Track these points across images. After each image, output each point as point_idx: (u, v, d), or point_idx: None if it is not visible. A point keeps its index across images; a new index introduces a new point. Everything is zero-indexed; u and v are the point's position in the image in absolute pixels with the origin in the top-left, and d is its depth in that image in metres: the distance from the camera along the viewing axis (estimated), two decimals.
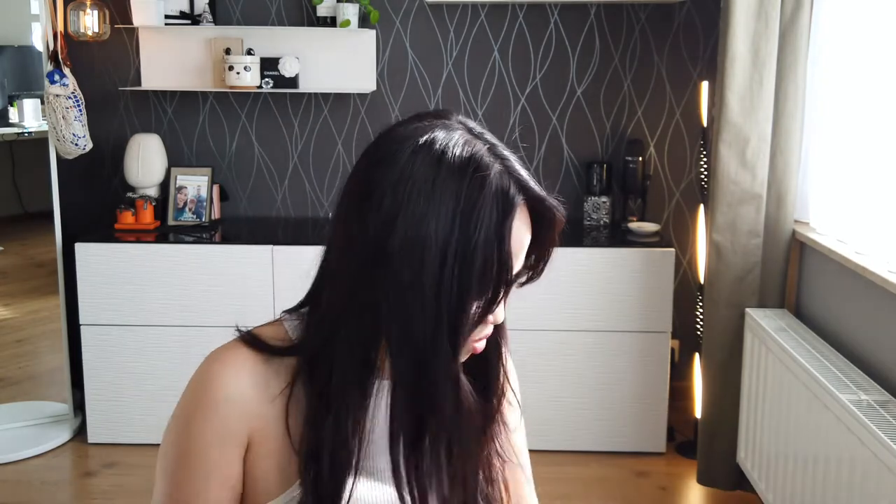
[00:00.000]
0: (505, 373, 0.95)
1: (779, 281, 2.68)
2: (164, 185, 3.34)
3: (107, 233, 3.16)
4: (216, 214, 3.37)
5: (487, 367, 0.93)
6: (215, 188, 3.36)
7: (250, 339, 0.88)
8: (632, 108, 3.36)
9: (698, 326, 3.02)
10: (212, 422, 0.84)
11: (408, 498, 0.85)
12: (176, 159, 3.41)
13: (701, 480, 2.84)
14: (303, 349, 0.87)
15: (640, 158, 3.25)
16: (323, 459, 0.83)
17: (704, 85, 3.02)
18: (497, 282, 0.79)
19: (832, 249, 2.34)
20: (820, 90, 2.59)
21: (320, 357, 0.85)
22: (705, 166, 2.98)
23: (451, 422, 0.84)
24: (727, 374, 2.73)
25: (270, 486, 0.86)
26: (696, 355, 3.03)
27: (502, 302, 0.83)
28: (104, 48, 3.37)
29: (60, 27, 3.13)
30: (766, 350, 2.45)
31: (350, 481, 0.84)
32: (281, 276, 2.98)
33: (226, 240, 3.15)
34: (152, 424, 3.10)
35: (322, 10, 3.23)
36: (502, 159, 0.81)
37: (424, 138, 0.80)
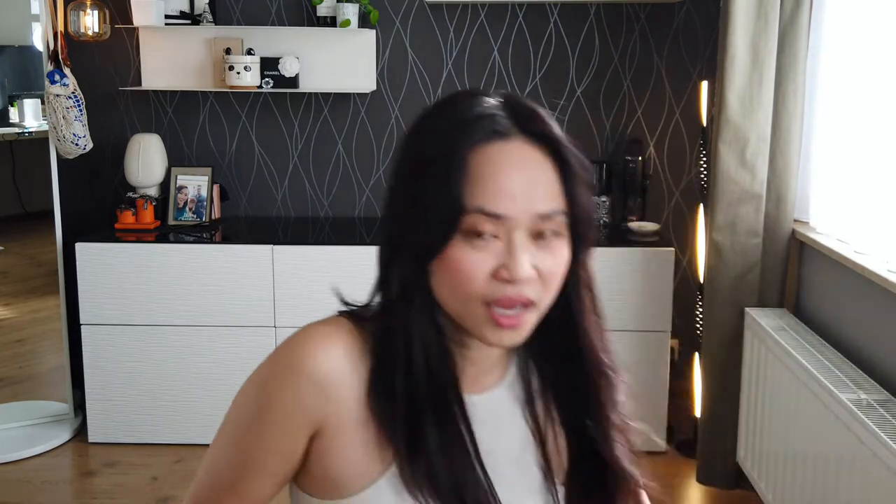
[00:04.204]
0: None
1: (778, 280, 2.68)
2: (165, 185, 3.34)
3: (107, 232, 3.17)
4: (216, 214, 3.37)
5: None
6: (215, 188, 3.36)
7: (348, 315, 0.90)
8: (631, 108, 3.36)
9: (698, 326, 3.02)
10: (291, 395, 0.84)
11: None
12: (176, 159, 3.42)
13: (701, 479, 2.84)
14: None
15: (640, 158, 3.25)
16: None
17: (704, 84, 3.03)
18: None
19: (832, 249, 2.34)
20: (819, 89, 2.59)
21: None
22: (705, 166, 2.98)
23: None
24: (727, 374, 2.73)
25: (353, 477, 0.86)
26: (696, 355, 3.03)
27: None
28: (104, 48, 3.37)
29: (61, 27, 3.13)
30: (765, 349, 2.45)
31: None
32: (281, 276, 2.98)
33: (226, 240, 3.15)
34: (152, 424, 3.10)
35: (322, 10, 3.24)
36: None
37: None
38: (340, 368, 0.85)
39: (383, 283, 0.89)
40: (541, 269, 0.83)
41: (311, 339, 0.86)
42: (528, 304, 0.83)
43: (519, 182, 0.81)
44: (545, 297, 0.85)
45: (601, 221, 3.30)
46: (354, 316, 0.90)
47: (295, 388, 0.84)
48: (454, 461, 0.85)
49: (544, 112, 0.86)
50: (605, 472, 0.95)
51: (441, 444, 0.84)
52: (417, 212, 0.83)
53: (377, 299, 0.90)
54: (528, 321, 0.85)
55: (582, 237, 0.87)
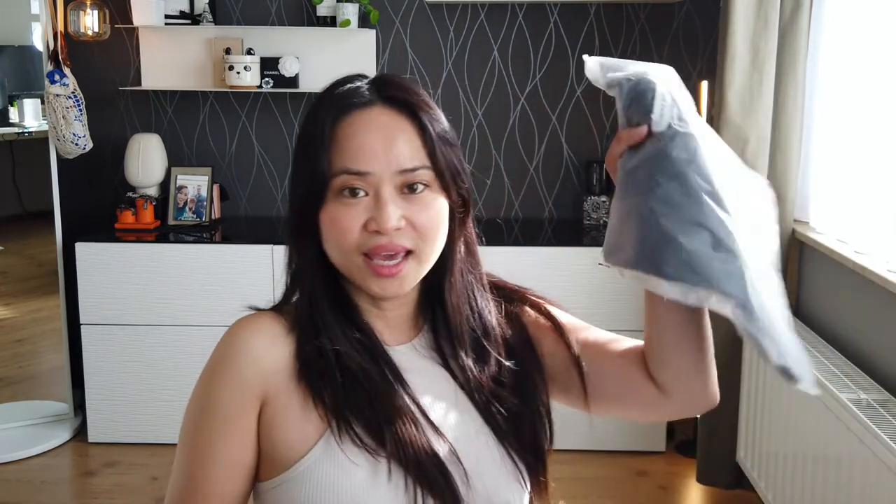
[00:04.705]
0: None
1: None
2: (165, 185, 3.34)
3: (107, 232, 3.17)
4: (216, 214, 3.37)
5: None
6: (215, 188, 3.36)
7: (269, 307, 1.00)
8: None
9: None
10: (230, 376, 0.90)
11: None
12: (176, 159, 3.41)
13: (700, 479, 2.84)
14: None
15: None
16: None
17: (704, 85, 3.02)
18: None
19: (832, 249, 2.34)
20: (819, 89, 2.59)
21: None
22: None
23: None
24: (727, 374, 2.73)
25: (294, 444, 0.89)
26: None
27: None
28: (104, 48, 3.37)
29: (60, 27, 3.13)
30: None
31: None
32: (281, 275, 2.97)
33: (226, 239, 3.15)
34: (152, 424, 3.10)
35: (322, 10, 3.24)
36: None
37: None
38: (267, 343, 0.92)
39: (289, 267, 1.00)
40: (413, 220, 0.90)
41: (238, 330, 0.94)
42: (407, 254, 0.91)
43: (379, 141, 0.89)
44: (424, 247, 0.91)
45: (601, 222, 3.30)
46: (276, 308, 0.99)
47: (233, 373, 0.90)
48: (381, 401, 0.90)
49: (411, 84, 0.94)
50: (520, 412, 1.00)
51: (366, 388, 0.90)
52: (298, 186, 0.95)
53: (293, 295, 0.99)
54: (409, 270, 0.92)
55: (449, 191, 0.93)
